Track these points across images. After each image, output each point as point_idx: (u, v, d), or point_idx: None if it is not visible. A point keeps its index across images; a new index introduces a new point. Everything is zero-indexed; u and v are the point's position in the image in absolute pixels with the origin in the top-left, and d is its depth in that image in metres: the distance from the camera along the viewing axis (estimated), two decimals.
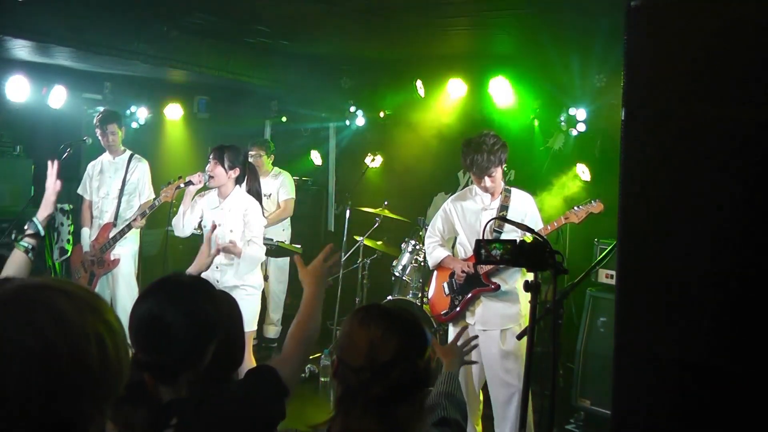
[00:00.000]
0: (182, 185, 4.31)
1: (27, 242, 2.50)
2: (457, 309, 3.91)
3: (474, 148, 3.70)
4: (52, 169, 2.90)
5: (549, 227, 3.82)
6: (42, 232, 2.58)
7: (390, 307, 1.74)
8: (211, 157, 4.16)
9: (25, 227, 2.57)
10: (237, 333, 1.99)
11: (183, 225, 4.28)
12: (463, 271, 3.82)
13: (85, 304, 1.04)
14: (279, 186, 6.12)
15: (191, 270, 3.06)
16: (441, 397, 1.96)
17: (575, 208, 3.89)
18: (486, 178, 3.73)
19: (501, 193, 3.87)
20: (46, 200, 2.72)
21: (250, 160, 6.01)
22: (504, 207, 3.83)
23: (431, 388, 1.95)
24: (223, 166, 4.12)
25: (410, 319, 1.68)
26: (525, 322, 3.70)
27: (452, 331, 3.98)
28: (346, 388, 1.58)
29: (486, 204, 3.88)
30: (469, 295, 3.87)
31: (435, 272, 4.16)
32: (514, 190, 3.92)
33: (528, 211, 3.85)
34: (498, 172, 3.76)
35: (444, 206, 4.07)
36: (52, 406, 0.96)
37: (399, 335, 1.60)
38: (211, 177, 4.14)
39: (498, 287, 3.79)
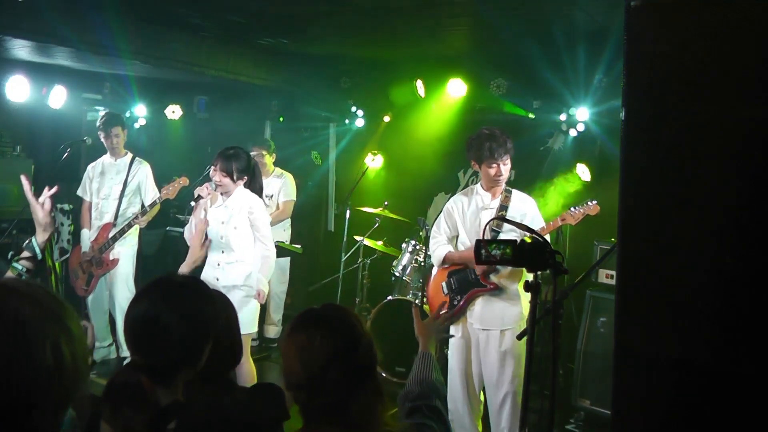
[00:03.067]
0: (192, 203, 4.24)
1: (22, 265, 2.42)
2: (457, 308, 3.89)
3: (486, 137, 3.76)
4: (29, 190, 2.71)
5: (545, 228, 3.82)
6: (39, 256, 2.47)
7: (318, 307, 1.69)
8: (218, 166, 4.08)
9: (23, 246, 2.48)
10: (233, 333, 1.99)
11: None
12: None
13: (47, 312, 1.06)
14: (281, 187, 6.11)
15: (186, 264, 3.07)
16: (414, 384, 1.92)
17: (572, 209, 3.89)
18: (501, 165, 3.76)
19: (501, 193, 3.87)
20: (38, 222, 2.56)
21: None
22: (503, 207, 3.83)
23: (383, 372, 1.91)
24: (230, 177, 4.09)
25: (336, 315, 1.65)
26: (525, 323, 3.69)
27: (452, 331, 3.95)
28: (298, 403, 1.58)
29: (486, 203, 3.88)
30: (467, 295, 3.86)
31: (434, 272, 4.15)
32: (515, 192, 3.92)
33: (528, 213, 3.84)
34: (509, 162, 3.80)
35: (446, 205, 4.07)
36: (4, 412, 0.97)
37: (322, 336, 1.56)
38: (218, 185, 4.12)
39: (495, 287, 3.79)
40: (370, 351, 1.61)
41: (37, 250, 2.48)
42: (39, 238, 2.51)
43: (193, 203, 4.19)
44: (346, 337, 1.59)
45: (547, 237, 3.60)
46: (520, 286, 3.78)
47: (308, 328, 1.59)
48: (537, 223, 3.83)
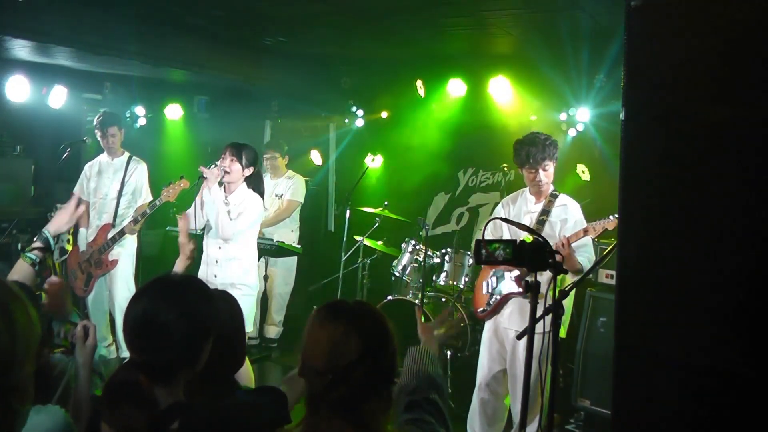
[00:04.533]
0: (200, 177, 4.23)
1: (35, 255, 2.44)
2: (491, 308, 3.94)
3: (528, 143, 3.78)
4: (72, 202, 2.78)
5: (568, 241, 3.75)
6: (53, 246, 2.53)
7: (352, 302, 1.69)
8: (227, 153, 4.15)
9: (35, 239, 2.52)
10: (236, 332, 1.98)
11: (201, 217, 4.23)
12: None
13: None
14: (290, 186, 6.13)
15: (180, 262, 3.06)
16: (409, 377, 1.89)
17: (593, 222, 3.76)
18: (541, 171, 3.78)
19: (546, 197, 3.89)
20: (60, 220, 2.64)
21: (266, 163, 6.06)
22: (545, 212, 3.84)
23: (398, 380, 1.91)
24: (240, 163, 4.13)
25: (372, 315, 1.65)
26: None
27: (486, 327, 4.02)
28: (311, 390, 1.57)
29: (529, 207, 3.91)
30: (501, 296, 3.90)
31: (481, 270, 4.20)
32: (561, 196, 3.92)
33: (570, 218, 3.82)
34: (551, 167, 3.82)
35: (497, 207, 4.16)
36: None
37: (360, 334, 1.56)
38: (226, 172, 4.13)
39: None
40: (394, 358, 1.62)
41: (51, 241, 2.51)
42: (52, 228, 2.56)
43: (201, 177, 4.16)
44: (379, 340, 1.60)
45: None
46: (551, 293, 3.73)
47: (346, 322, 1.58)
48: (577, 229, 3.77)
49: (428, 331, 2.15)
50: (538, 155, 3.75)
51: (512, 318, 3.86)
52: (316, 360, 1.56)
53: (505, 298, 3.89)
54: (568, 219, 3.83)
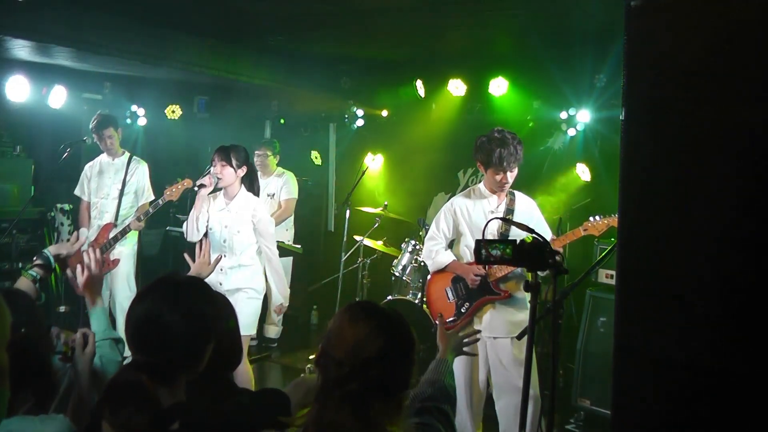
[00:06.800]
0: (195, 188, 4.23)
1: (35, 272, 2.50)
2: (465, 316, 3.78)
3: (499, 143, 3.62)
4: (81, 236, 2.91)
5: (566, 239, 3.70)
6: (53, 266, 2.58)
7: (385, 306, 1.74)
8: (216, 159, 4.10)
9: (35, 258, 2.58)
10: (234, 334, 2.00)
11: (197, 229, 4.20)
12: (476, 275, 3.71)
13: None
14: (282, 185, 6.12)
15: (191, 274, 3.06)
16: (426, 385, 1.97)
17: (593, 218, 3.71)
18: (508, 173, 3.67)
19: (506, 195, 3.81)
20: (68, 246, 2.70)
21: (257, 160, 6.04)
22: (509, 210, 3.77)
23: (410, 390, 1.95)
24: (231, 165, 4.08)
25: (400, 321, 1.69)
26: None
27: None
28: (326, 379, 1.60)
29: (493, 207, 3.80)
30: (477, 302, 3.75)
31: (430, 277, 4.03)
32: (517, 193, 3.86)
33: (534, 215, 3.80)
34: (516, 170, 3.71)
35: (447, 206, 3.93)
36: None
37: (385, 336, 1.61)
38: (219, 178, 4.10)
39: (509, 295, 3.69)
40: (410, 368, 1.66)
41: (51, 260, 2.57)
42: (54, 250, 2.63)
43: (196, 187, 4.18)
44: (402, 347, 1.64)
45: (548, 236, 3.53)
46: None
47: (377, 323, 1.63)
48: (542, 224, 3.78)
49: (447, 341, 2.22)
50: (510, 158, 3.61)
51: (493, 325, 3.72)
52: (338, 350, 1.60)
53: (480, 304, 3.75)
54: (532, 216, 3.77)
